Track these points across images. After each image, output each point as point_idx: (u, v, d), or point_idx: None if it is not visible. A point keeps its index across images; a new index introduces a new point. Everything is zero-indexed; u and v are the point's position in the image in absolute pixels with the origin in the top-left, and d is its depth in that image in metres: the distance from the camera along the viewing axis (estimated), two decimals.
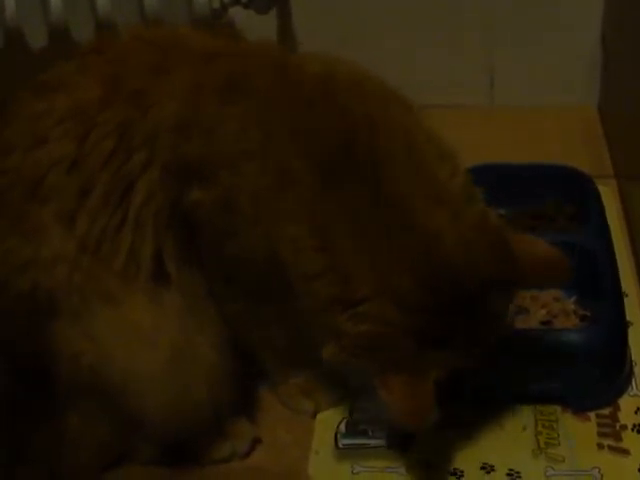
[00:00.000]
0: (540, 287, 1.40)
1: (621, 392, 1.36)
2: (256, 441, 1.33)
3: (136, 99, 1.15)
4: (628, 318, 1.41)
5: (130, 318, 1.17)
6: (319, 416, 1.37)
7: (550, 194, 1.58)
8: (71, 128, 1.16)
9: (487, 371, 1.31)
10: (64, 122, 1.16)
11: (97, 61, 1.20)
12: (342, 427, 1.35)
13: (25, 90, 1.22)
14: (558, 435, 1.31)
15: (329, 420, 1.36)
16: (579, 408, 1.33)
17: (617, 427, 1.31)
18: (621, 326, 1.37)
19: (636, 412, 1.33)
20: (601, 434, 1.31)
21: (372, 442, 1.33)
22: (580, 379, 1.32)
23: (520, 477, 1.26)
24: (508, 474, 1.27)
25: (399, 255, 1.08)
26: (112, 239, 1.16)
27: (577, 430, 1.31)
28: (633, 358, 1.39)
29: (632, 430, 1.31)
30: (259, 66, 1.17)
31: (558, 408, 1.34)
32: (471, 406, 1.35)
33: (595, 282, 1.39)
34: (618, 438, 1.30)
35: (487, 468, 1.28)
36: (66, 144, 1.15)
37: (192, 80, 1.15)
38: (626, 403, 1.35)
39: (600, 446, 1.29)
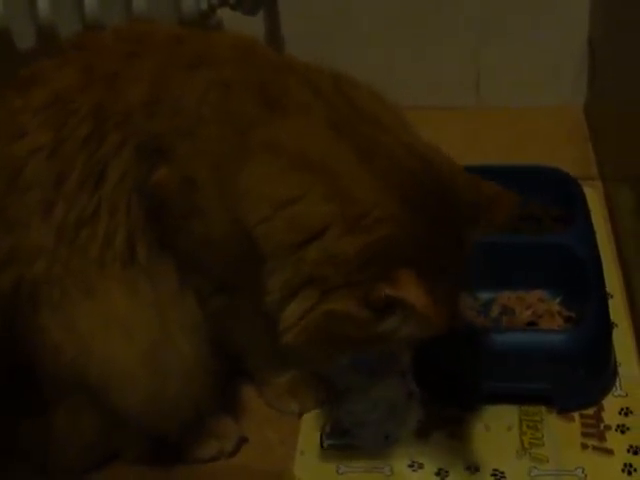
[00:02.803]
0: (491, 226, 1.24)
1: (605, 392, 1.37)
2: (242, 440, 1.33)
3: (109, 82, 1.16)
4: (613, 319, 1.42)
5: (107, 310, 1.17)
6: (305, 416, 1.37)
7: (535, 196, 1.58)
8: (49, 117, 1.16)
9: (472, 371, 1.33)
10: (42, 113, 1.17)
11: (76, 55, 1.22)
12: (327, 427, 1.35)
13: (5, 87, 1.22)
14: (542, 435, 1.31)
15: (315, 420, 1.36)
16: (563, 408, 1.34)
17: (601, 427, 1.32)
18: (606, 327, 1.38)
19: (620, 412, 1.34)
20: (585, 434, 1.31)
21: (357, 442, 1.33)
22: (565, 380, 1.33)
23: (504, 477, 1.27)
24: (492, 474, 1.27)
25: (392, 165, 1.08)
26: (88, 225, 1.16)
27: (561, 430, 1.32)
28: (617, 359, 1.40)
29: (616, 430, 1.32)
30: (223, 44, 1.20)
31: (542, 408, 1.35)
32: (456, 406, 1.35)
33: (580, 283, 1.39)
34: (602, 438, 1.31)
35: (472, 468, 1.28)
36: (44, 133, 1.16)
37: (160, 61, 1.17)
38: (610, 403, 1.35)
39: (584, 446, 1.30)
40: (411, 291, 1.02)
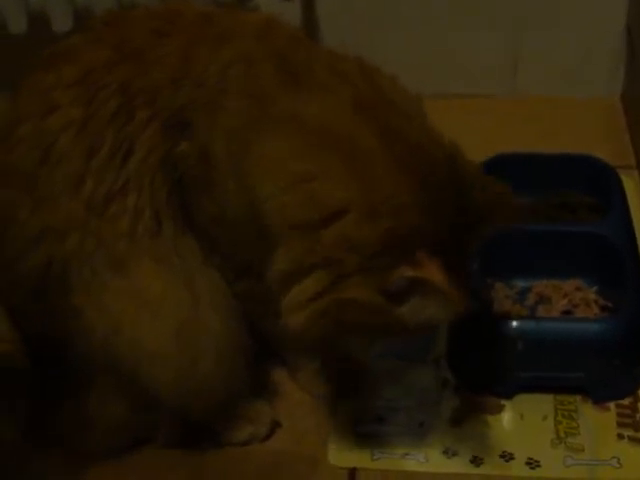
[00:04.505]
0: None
1: None
2: (276, 425, 1.34)
3: (138, 60, 1.18)
4: None
5: (138, 288, 1.17)
6: (339, 402, 1.37)
7: (572, 184, 1.57)
8: (79, 93, 1.17)
9: (507, 360, 1.32)
10: (72, 88, 1.18)
11: (105, 31, 1.23)
12: (362, 413, 1.35)
13: (36, 67, 1.23)
14: (578, 425, 1.31)
15: (349, 406, 1.36)
16: (599, 398, 1.33)
17: (637, 417, 1.31)
18: None
19: None
20: (621, 424, 1.31)
21: (391, 429, 1.33)
22: (600, 369, 1.32)
23: (539, 466, 1.27)
24: (527, 463, 1.27)
25: (415, 153, 1.08)
26: (117, 200, 1.17)
27: (597, 420, 1.31)
28: None
29: None
30: (249, 21, 1.21)
31: (578, 398, 1.34)
32: (490, 395, 1.35)
33: (617, 272, 1.39)
34: (638, 428, 1.30)
35: (506, 456, 1.28)
36: (75, 108, 1.17)
37: (188, 40, 1.18)
38: None
39: (620, 436, 1.29)
40: (433, 271, 1.03)
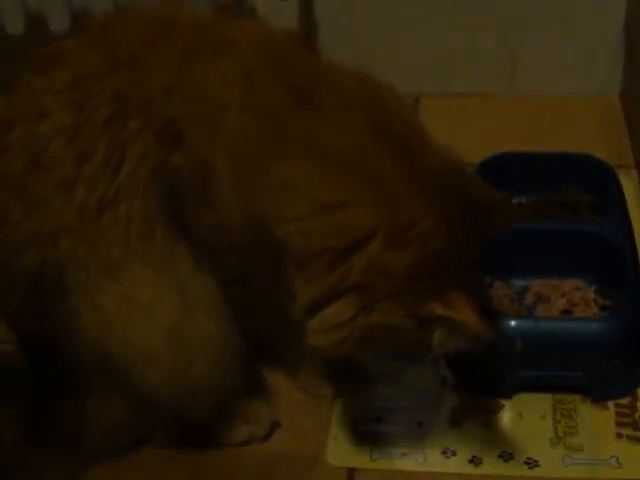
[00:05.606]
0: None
1: None
2: (275, 425, 1.33)
3: (131, 68, 1.17)
4: None
5: (131, 291, 1.17)
6: (338, 402, 1.37)
7: (570, 183, 1.58)
8: (71, 98, 1.17)
9: (506, 359, 1.32)
10: (64, 93, 1.17)
11: (98, 35, 1.23)
12: (361, 413, 1.35)
13: (28, 70, 1.23)
14: (577, 424, 1.31)
15: (348, 406, 1.36)
16: (598, 397, 1.33)
17: (636, 417, 1.31)
18: None
19: None
20: (620, 423, 1.30)
21: (389, 429, 1.33)
22: (599, 368, 1.32)
23: (538, 465, 1.26)
24: (526, 462, 1.27)
25: (431, 174, 1.09)
26: (111, 207, 1.17)
27: (596, 419, 1.31)
28: None
29: None
30: (247, 32, 1.20)
31: (577, 397, 1.34)
32: (489, 394, 1.35)
33: (615, 272, 1.39)
34: (636, 427, 1.30)
35: (505, 456, 1.28)
36: (66, 114, 1.17)
37: (183, 49, 1.17)
38: None
39: (619, 435, 1.29)
40: (466, 312, 1.06)
